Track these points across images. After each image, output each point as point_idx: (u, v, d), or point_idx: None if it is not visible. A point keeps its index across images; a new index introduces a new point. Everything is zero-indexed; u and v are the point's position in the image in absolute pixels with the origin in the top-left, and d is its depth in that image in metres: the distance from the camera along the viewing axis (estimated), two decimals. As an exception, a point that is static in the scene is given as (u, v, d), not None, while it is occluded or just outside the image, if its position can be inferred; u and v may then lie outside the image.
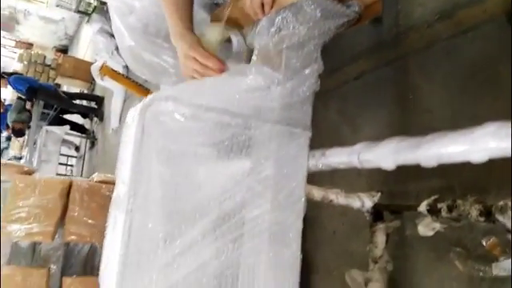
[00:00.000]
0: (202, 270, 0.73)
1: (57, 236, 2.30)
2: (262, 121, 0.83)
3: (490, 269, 1.03)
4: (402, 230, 1.26)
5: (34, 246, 2.36)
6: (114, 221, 0.72)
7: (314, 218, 1.71)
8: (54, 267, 2.32)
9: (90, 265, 2.35)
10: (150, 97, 0.77)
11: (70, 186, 2.36)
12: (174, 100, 0.76)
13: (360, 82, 1.71)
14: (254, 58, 0.92)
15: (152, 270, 0.70)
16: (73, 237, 2.29)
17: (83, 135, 7.06)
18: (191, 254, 0.73)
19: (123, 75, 3.71)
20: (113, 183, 1.97)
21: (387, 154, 0.70)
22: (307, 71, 0.85)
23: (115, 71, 3.65)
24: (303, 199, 0.85)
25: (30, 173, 2.54)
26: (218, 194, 0.79)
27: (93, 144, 6.89)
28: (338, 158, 0.83)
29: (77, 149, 7.62)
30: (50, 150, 6.14)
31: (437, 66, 1.38)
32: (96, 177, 2.59)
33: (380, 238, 1.17)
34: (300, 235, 0.84)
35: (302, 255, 0.86)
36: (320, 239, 1.73)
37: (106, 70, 3.37)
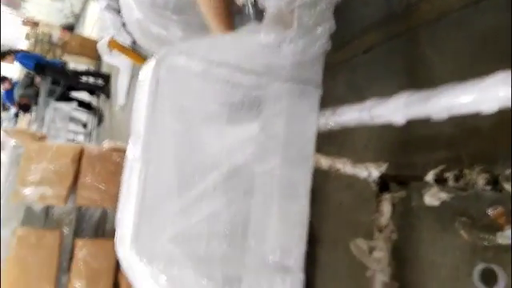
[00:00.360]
0: (213, 218, 0.75)
1: (69, 200, 2.34)
2: (273, 78, 0.83)
3: (495, 238, 1.04)
4: (407, 201, 1.27)
5: (47, 210, 2.40)
6: (130, 170, 0.75)
7: (320, 189, 1.73)
8: (66, 229, 2.36)
9: (101, 229, 2.39)
10: (163, 51, 0.77)
11: (82, 152, 2.40)
12: (187, 54, 0.77)
13: (369, 55, 1.70)
14: (266, 17, 0.92)
15: (166, 215, 0.72)
16: (85, 201, 2.34)
17: (90, 112, 7.10)
18: (203, 203, 0.75)
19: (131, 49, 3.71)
20: (123, 151, 1.98)
21: (398, 108, 0.70)
22: (319, 30, 0.85)
23: (123, 45, 3.65)
24: (312, 156, 0.86)
25: (42, 139, 2.57)
26: (229, 149, 0.81)
27: (100, 121, 6.92)
28: (349, 114, 0.84)
29: (84, 126, 7.66)
30: (58, 126, 6.19)
31: (448, 37, 1.36)
32: (107, 144, 2.61)
33: (386, 208, 1.18)
34: (309, 191, 0.86)
35: (308, 225, 0.87)
36: (327, 210, 1.75)
37: (113, 44, 3.38)
